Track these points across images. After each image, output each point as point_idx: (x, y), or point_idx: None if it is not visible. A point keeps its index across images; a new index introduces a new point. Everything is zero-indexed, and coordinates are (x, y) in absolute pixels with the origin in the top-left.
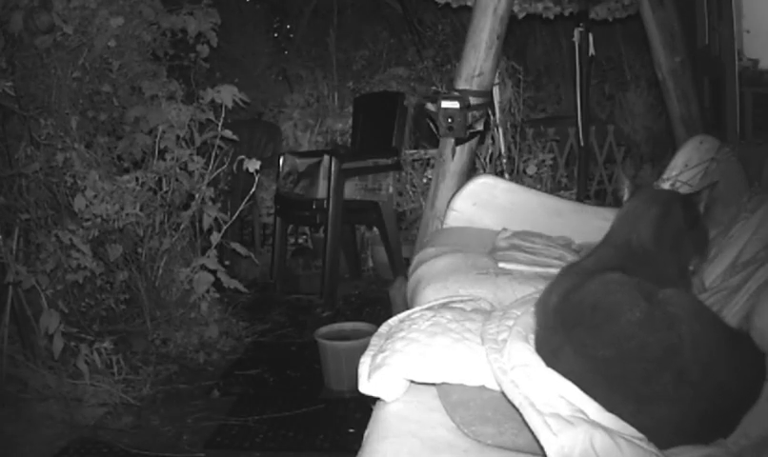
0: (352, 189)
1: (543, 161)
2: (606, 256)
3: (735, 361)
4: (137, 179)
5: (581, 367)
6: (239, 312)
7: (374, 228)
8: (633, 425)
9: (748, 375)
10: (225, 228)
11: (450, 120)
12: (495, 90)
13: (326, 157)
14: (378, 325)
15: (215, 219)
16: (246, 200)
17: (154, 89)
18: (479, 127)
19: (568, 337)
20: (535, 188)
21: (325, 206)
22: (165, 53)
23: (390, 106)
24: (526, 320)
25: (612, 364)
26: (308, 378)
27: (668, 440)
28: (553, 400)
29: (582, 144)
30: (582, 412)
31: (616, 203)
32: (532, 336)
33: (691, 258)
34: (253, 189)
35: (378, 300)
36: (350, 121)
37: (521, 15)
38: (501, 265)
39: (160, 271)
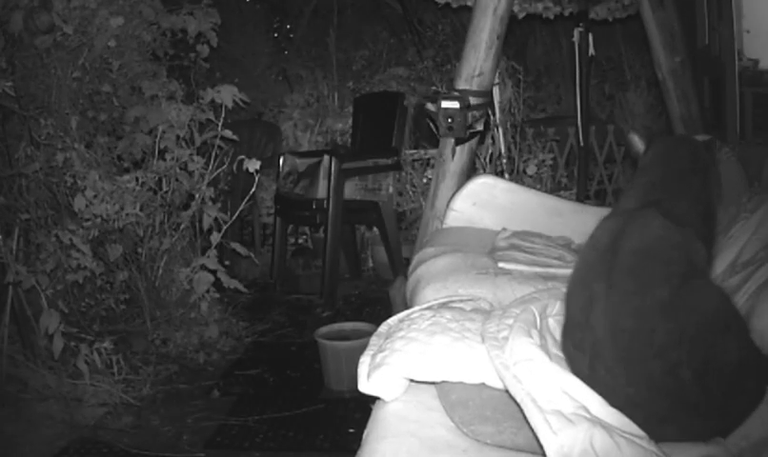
0: (352, 189)
1: (543, 161)
2: (645, 191)
3: (741, 364)
4: (137, 179)
5: (617, 317)
6: (239, 312)
7: (374, 228)
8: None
9: (752, 379)
10: (225, 228)
11: (450, 120)
12: (495, 90)
13: (326, 157)
14: (378, 325)
15: (215, 219)
16: (246, 200)
17: (154, 89)
18: (479, 127)
19: (611, 283)
20: (535, 188)
21: (325, 206)
22: (165, 53)
23: (390, 106)
24: (527, 317)
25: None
26: (308, 378)
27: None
28: (555, 395)
29: (582, 144)
30: (585, 408)
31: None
32: (534, 331)
33: (714, 196)
34: (253, 189)
35: (378, 300)
36: (350, 121)
37: (521, 15)
38: (501, 265)
39: (160, 271)
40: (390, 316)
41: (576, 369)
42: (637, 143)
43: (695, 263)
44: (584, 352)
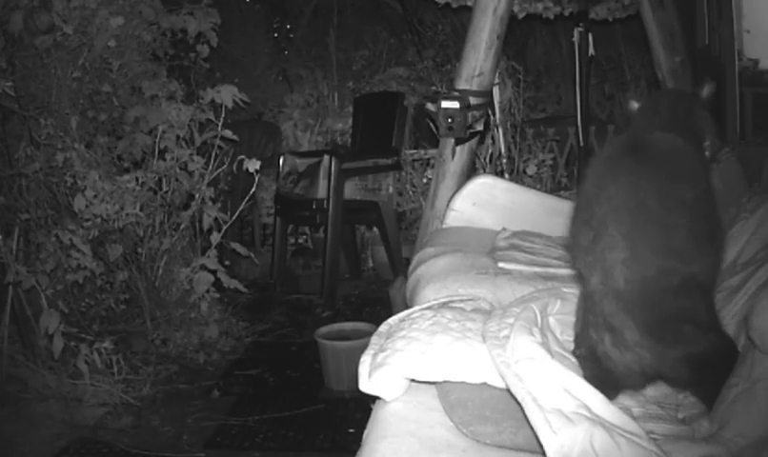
0: (352, 189)
1: (543, 161)
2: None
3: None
4: (137, 179)
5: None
6: (239, 312)
7: (374, 228)
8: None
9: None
10: (225, 228)
11: (450, 120)
12: (495, 90)
13: (326, 157)
14: (378, 325)
15: (215, 219)
16: (246, 200)
17: (154, 89)
18: (479, 127)
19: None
20: (535, 188)
21: (325, 206)
22: (165, 53)
23: (390, 106)
24: (528, 315)
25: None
26: (308, 378)
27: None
28: (556, 394)
29: (582, 144)
30: (586, 406)
31: None
32: (535, 329)
33: (705, 135)
34: (253, 189)
35: (378, 300)
36: (350, 121)
37: (521, 15)
38: (501, 265)
39: (160, 271)
40: (390, 316)
41: (576, 244)
42: (633, 104)
43: (709, 187)
44: (590, 227)
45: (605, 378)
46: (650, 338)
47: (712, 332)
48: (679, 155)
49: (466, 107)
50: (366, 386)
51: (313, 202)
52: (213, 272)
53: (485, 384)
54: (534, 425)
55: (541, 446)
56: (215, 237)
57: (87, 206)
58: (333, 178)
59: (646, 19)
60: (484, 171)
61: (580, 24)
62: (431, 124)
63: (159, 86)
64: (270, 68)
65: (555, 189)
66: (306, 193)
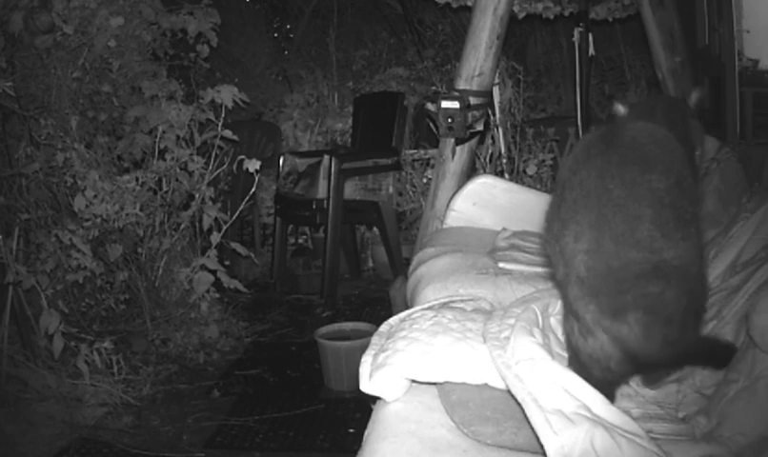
0: (352, 189)
1: (543, 161)
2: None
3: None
4: (137, 179)
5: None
6: (239, 312)
7: (374, 228)
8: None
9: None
10: (225, 228)
11: (450, 120)
12: (495, 90)
13: (326, 157)
14: (378, 325)
15: (215, 219)
16: (246, 200)
17: (154, 89)
18: (479, 127)
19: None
20: (535, 188)
21: (325, 206)
22: (165, 53)
23: (390, 106)
24: (528, 316)
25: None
26: (308, 378)
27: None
28: (557, 394)
29: None
30: (586, 407)
31: None
32: (536, 330)
33: (696, 144)
34: (253, 189)
35: (378, 300)
36: (350, 121)
37: (521, 15)
38: (501, 265)
39: (160, 271)
40: (390, 316)
41: (549, 230)
42: (621, 110)
43: (686, 176)
44: (560, 215)
45: (580, 371)
46: (612, 321)
47: (683, 323)
48: (654, 143)
49: (466, 107)
50: (367, 386)
51: (313, 202)
52: (213, 272)
53: (486, 384)
54: (534, 425)
55: (542, 446)
56: (215, 237)
57: (87, 206)
58: (333, 178)
59: (646, 19)
60: (484, 171)
61: (580, 24)
62: (431, 124)
63: (159, 86)
64: (270, 68)
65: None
66: (306, 193)
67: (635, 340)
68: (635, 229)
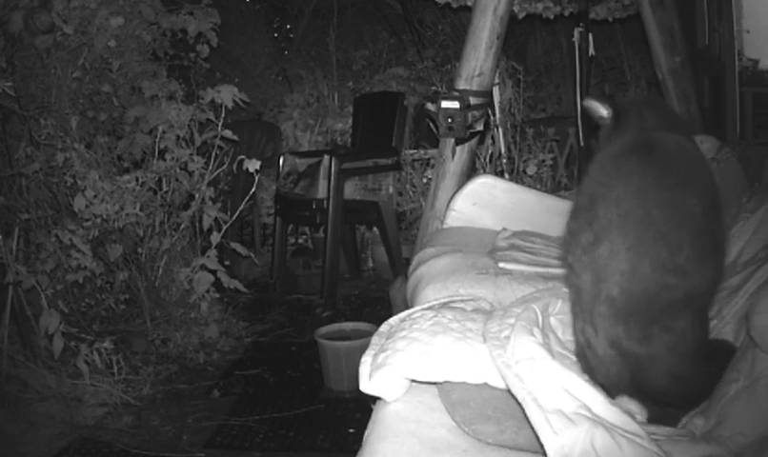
0: (352, 189)
1: (543, 161)
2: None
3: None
4: (137, 179)
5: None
6: (239, 312)
7: (374, 228)
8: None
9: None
10: (225, 228)
11: (450, 120)
12: (495, 90)
13: (326, 157)
14: (378, 325)
15: (215, 219)
16: (246, 200)
17: (154, 89)
18: (479, 127)
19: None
20: (535, 188)
21: (325, 206)
22: (165, 53)
23: (390, 106)
24: (528, 315)
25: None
26: (308, 378)
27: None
28: (557, 394)
29: (582, 144)
30: (586, 407)
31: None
32: (536, 330)
33: None
34: (253, 189)
35: (378, 300)
36: (350, 121)
37: (521, 15)
38: (501, 265)
39: (160, 271)
40: (390, 316)
41: (575, 240)
42: (599, 108)
43: (717, 196)
44: (592, 229)
45: (586, 368)
46: (637, 346)
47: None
48: (688, 161)
49: (466, 107)
50: (367, 386)
51: (313, 202)
52: (213, 272)
53: (486, 384)
54: (534, 425)
55: (542, 446)
56: (215, 237)
57: (87, 206)
58: (332, 178)
59: (646, 19)
60: (484, 171)
61: (580, 24)
62: (431, 124)
63: (159, 86)
64: (270, 68)
65: (555, 189)
66: (306, 193)
67: (651, 370)
68: (675, 256)
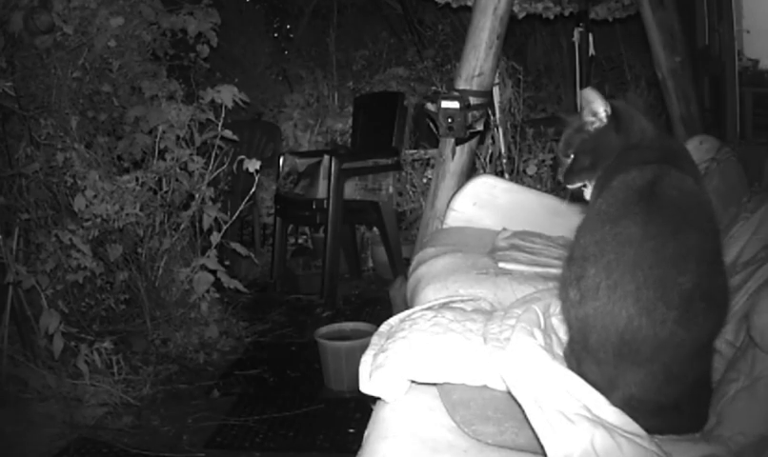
0: (352, 189)
1: (543, 161)
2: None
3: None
4: (137, 179)
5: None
6: (239, 312)
7: (374, 228)
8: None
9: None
10: (225, 228)
11: (450, 120)
12: (495, 90)
13: (326, 157)
14: (378, 325)
15: (215, 219)
16: (246, 200)
17: (154, 89)
18: (479, 127)
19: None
20: (535, 188)
21: (325, 206)
22: (165, 53)
23: (390, 106)
24: (529, 317)
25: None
26: (308, 378)
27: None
28: (557, 395)
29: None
30: (586, 408)
31: None
32: (537, 331)
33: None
34: (253, 189)
35: (378, 300)
36: (350, 121)
37: (521, 15)
38: (501, 265)
39: (160, 271)
40: (390, 316)
41: (562, 289)
42: (598, 103)
43: (719, 238)
44: (578, 288)
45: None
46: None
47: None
48: (705, 208)
49: (466, 107)
50: (367, 386)
51: (313, 202)
52: (213, 272)
53: (485, 385)
54: (535, 426)
55: (542, 447)
56: (215, 237)
57: (87, 206)
58: (332, 178)
59: (646, 19)
60: (484, 171)
61: (580, 24)
62: (431, 124)
63: (159, 86)
64: (270, 68)
65: (555, 189)
66: (306, 193)
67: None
68: (659, 330)
